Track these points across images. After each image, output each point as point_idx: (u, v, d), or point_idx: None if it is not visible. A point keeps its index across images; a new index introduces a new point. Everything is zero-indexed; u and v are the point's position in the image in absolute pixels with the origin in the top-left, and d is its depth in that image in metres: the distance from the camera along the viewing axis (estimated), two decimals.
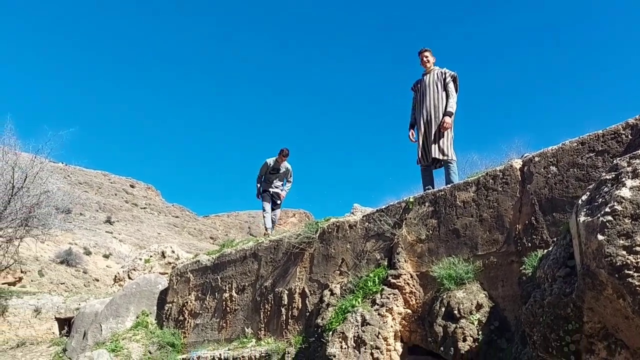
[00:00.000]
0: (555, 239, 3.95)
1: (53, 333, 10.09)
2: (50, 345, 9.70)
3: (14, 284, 14.70)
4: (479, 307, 4.98)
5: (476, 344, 4.80)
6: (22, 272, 16.12)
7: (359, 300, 5.98)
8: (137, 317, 9.35)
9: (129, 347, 8.56)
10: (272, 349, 6.93)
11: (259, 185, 10.14)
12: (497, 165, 5.48)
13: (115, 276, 12.76)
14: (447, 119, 6.76)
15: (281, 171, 10.09)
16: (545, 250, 4.12)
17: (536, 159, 4.94)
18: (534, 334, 3.44)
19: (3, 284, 13.43)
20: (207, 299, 8.60)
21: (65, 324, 10.15)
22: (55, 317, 10.30)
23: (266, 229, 9.93)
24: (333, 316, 6.10)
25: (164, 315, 9.26)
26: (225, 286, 8.35)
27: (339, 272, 6.72)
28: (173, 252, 12.75)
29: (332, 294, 6.55)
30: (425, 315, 5.42)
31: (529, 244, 4.75)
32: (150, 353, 8.43)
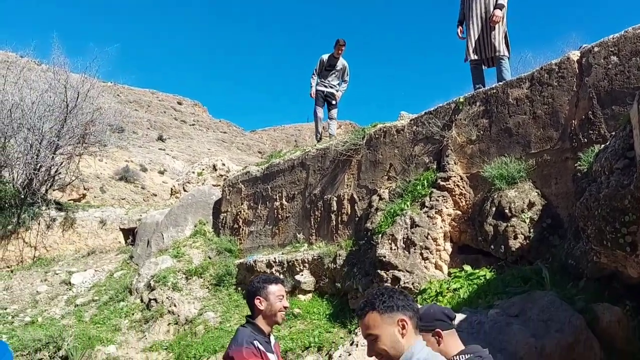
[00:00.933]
0: (613, 133, 3.78)
1: (119, 242, 10.79)
2: (118, 253, 10.42)
3: (78, 200, 15.57)
4: (530, 205, 4.93)
5: (527, 241, 4.80)
6: (85, 189, 16.98)
7: (408, 203, 6.02)
8: (195, 226, 9.81)
9: (189, 253, 9.07)
10: (323, 252, 7.19)
11: (313, 82, 9.31)
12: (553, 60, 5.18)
13: (172, 189, 13.31)
14: (497, 12, 6.35)
15: (337, 68, 9.29)
16: (603, 145, 3.97)
17: (595, 49, 4.62)
18: (588, 227, 3.39)
19: (69, 200, 14.25)
20: (259, 207, 8.89)
21: (129, 233, 10.80)
22: (120, 228, 10.96)
23: (317, 134, 9.59)
24: (382, 220, 6.20)
25: (219, 223, 9.68)
26: (276, 195, 8.58)
27: (387, 177, 6.74)
28: (223, 164, 13.08)
29: (380, 198, 6.62)
30: (476, 215, 5.43)
31: (585, 140, 4.58)
32: (209, 258, 8.93)
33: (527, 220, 4.86)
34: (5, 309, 9.05)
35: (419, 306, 2.08)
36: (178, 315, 7.96)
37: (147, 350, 7.61)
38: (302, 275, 7.33)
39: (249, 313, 3.02)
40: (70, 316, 8.53)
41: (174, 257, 8.99)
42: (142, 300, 8.48)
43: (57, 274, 9.94)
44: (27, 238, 10.73)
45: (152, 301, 8.26)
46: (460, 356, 2.51)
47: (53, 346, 7.48)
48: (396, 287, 5.51)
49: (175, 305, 8.06)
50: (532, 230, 4.81)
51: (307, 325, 6.49)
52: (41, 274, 10.03)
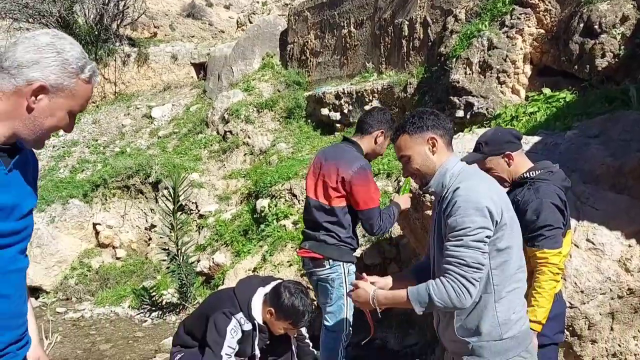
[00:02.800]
0: None
1: (191, 77, 11.03)
2: (192, 88, 10.71)
3: (150, 38, 15.70)
4: (624, 19, 4.42)
5: (616, 60, 4.40)
6: (155, 27, 17.00)
7: (486, 23, 5.58)
8: (263, 59, 9.75)
9: (259, 87, 9.16)
10: (393, 81, 7.00)
11: None
12: None
13: (237, 21, 13.08)
14: None
15: None
16: None
17: None
18: None
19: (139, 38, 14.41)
20: (326, 36, 8.60)
21: (200, 68, 10.97)
22: (191, 63, 11.12)
23: None
24: (457, 43, 5.83)
25: (286, 55, 9.55)
26: (343, 22, 8.20)
27: None
28: None
29: (456, 20, 6.16)
30: (560, 33, 4.96)
31: None
32: (279, 91, 8.99)
33: (619, 37, 4.39)
34: (97, 140, 9.82)
35: (450, 126, 2.02)
36: (252, 146, 8.31)
37: (227, 178, 8.16)
38: (371, 106, 7.27)
39: (321, 143, 3.00)
40: (154, 147, 9.15)
41: (244, 90, 9.13)
42: (218, 133, 8.87)
43: (138, 108, 10.47)
44: (107, 74, 11.16)
45: (227, 133, 8.62)
46: (531, 172, 2.47)
47: (143, 173, 8.16)
48: (469, 113, 5.38)
49: (249, 137, 8.39)
50: (622, 47, 4.37)
51: None
52: (123, 108, 10.60)
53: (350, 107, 7.47)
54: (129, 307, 6.67)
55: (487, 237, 1.74)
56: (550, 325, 2.32)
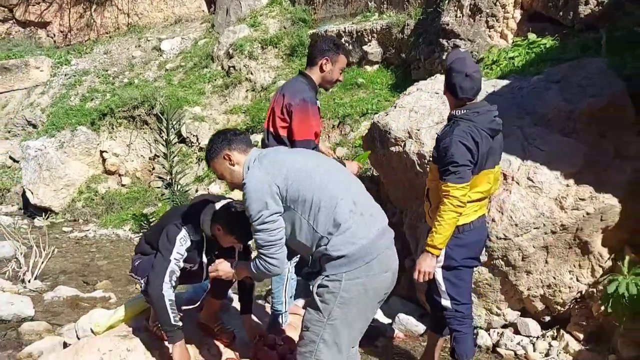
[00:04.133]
0: None
1: (202, 11, 11.02)
2: (202, 22, 10.74)
3: None
4: None
5: (599, 7, 4.38)
6: None
7: None
8: None
9: (265, 23, 9.18)
10: (392, 21, 7.00)
11: None
12: None
13: None
14: None
15: None
16: None
17: None
18: None
19: None
20: None
21: (211, 2, 10.94)
22: None
23: None
24: None
25: None
26: None
27: None
28: None
29: None
30: None
31: None
32: (284, 28, 9.01)
33: None
34: (107, 70, 10.04)
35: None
36: (254, 83, 8.45)
37: (228, 113, 8.36)
38: (369, 45, 7.30)
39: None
40: (161, 79, 9.34)
41: (250, 26, 9.16)
42: (222, 68, 9.00)
43: (149, 41, 10.60)
44: (120, 5, 11.24)
45: (231, 68, 8.75)
46: (457, 111, 2.58)
47: (147, 104, 8.40)
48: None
49: (251, 73, 8.51)
50: None
51: (369, 94, 6.69)
52: (135, 40, 10.73)
53: (350, 47, 7.50)
54: (129, 230, 7.08)
55: (270, 215, 2.05)
56: (460, 251, 2.54)
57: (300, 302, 3.65)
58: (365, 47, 7.28)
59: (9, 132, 9.55)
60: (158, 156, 8.14)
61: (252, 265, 2.18)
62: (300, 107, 2.86)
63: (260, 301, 3.81)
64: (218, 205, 2.72)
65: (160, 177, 6.62)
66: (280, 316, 3.06)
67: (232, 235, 2.57)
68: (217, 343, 2.82)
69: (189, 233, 2.66)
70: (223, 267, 2.36)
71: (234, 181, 2.24)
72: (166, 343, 2.63)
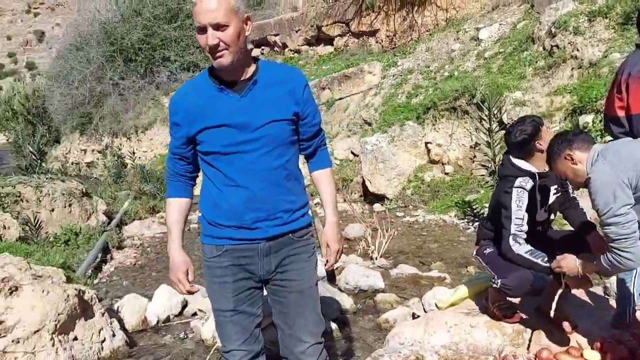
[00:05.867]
0: None
1: None
2: (520, 4, 10.46)
3: None
4: None
5: None
6: None
7: None
8: None
9: None
10: None
11: None
12: None
13: None
14: None
15: None
16: None
17: None
18: None
19: None
20: None
21: None
22: None
23: None
24: None
25: None
26: None
27: None
28: None
29: None
30: None
31: None
32: None
33: None
34: (428, 66, 10.74)
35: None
36: (581, 59, 7.84)
37: (552, 95, 7.98)
38: None
39: None
40: (480, 69, 9.51)
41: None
42: (544, 48, 8.62)
43: (466, 32, 10.88)
44: (439, 2, 11.85)
45: (553, 48, 8.31)
46: None
47: (468, 95, 8.69)
48: None
49: (577, 50, 7.91)
50: None
51: None
52: (453, 33, 11.17)
53: None
54: (454, 216, 7.52)
55: (619, 207, 2.06)
56: None
57: None
58: None
59: (350, 130, 11.18)
60: (479, 144, 8.38)
61: (603, 259, 2.18)
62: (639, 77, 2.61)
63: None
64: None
65: (483, 165, 6.81)
66: (627, 310, 2.90)
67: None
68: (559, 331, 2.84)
69: (522, 186, 2.61)
70: (567, 263, 2.39)
71: (578, 180, 2.29)
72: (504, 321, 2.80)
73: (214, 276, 2.20)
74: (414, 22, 12.14)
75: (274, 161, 2.06)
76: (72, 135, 19.35)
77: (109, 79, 17.04)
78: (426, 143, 9.11)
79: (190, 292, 2.21)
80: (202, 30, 1.93)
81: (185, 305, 4.62)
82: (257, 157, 2.03)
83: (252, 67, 2.07)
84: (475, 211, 7.13)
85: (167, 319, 4.47)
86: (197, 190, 2.23)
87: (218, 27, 1.90)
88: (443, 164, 8.97)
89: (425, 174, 8.93)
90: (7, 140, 25.52)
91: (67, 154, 19.34)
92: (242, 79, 2.04)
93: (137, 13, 17.11)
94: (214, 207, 2.13)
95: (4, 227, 5.46)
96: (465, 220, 7.17)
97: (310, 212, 2.28)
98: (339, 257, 2.28)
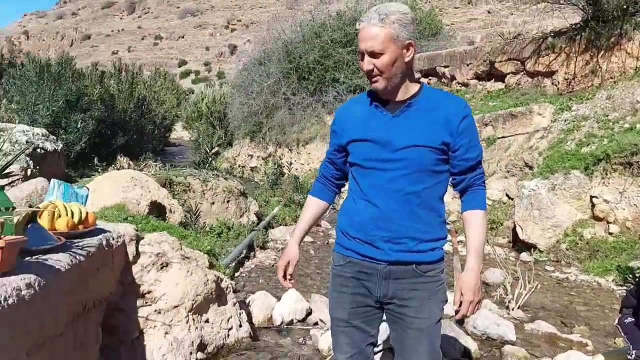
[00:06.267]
0: None
1: None
2: None
3: None
4: None
5: None
6: None
7: None
8: None
9: None
10: None
11: None
12: None
13: None
14: None
15: None
16: None
17: None
18: None
19: None
20: None
21: None
22: None
23: None
24: None
25: None
26: None
27: None
28: None
29: None
30: None
31: None
32: None
33: None
34: (607, 115, 9.83)
35: None
36: None
37: None
38: None
39: None
40: None
41: None
42: None
43: None
44: (629, 49, 10.83)
45: None
46: None
47: None
48: None
49: None
50: None
51: None
52: None
53: None
54: (612, 280, 6.76)
55: None
56: None
57: None
58: None
59: (508, 171, 10.64)
60: None
61: None
62: None
63: None
64: None
65: None
66: None
67: None
68: None
69: None
70: None
71: None
72: None
73: (335, 284, 2.29)
74: (598, 67, 11.22)
75: (408, 185, 2.06)
76: (243, 141, 21.19)
77: (282, 93, 18.39)
78: (591, 197, 8.33)
79: (284, 283, 2.38)
80: (362, 55, 2.06)
81: (309, 313, 4.79)
82: (392, 177, 2.06)
83: (413, 90, 2.11)
84: (638, 279, 6.32)
85: (291, 322, 4.67)
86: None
87: (373, 54, 2.02)
88: (608, 222, 8.11)
89: (585, 229, 8.16)
90: (190, 137, 28.74)
91: (236, 156, 21.21)
92: (397, 99, 2.10)
93: (317, 35, 18.30)
94: (347, 217, 2.22)
95: (170, 211, 6.16)
96: (624, 287, 6.40)
97: (443, 248, 2.20)
98: (473, 310, 2.09)
